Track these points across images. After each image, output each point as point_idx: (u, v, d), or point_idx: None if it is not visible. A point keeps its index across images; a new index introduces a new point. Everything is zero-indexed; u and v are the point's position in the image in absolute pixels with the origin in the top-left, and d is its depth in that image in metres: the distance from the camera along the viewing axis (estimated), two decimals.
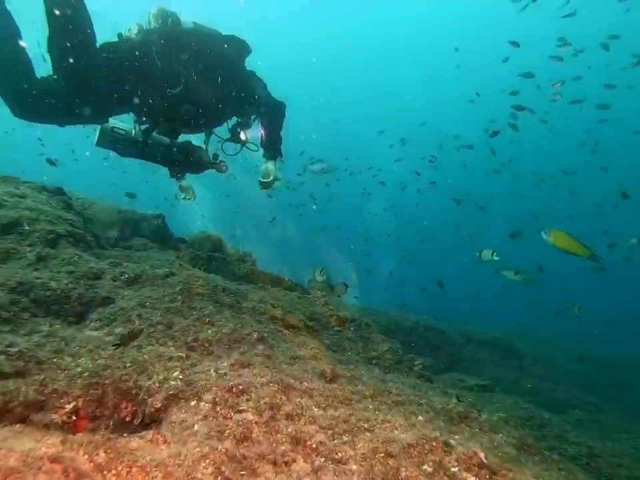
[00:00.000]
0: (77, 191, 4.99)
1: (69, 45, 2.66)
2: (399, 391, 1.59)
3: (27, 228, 2.03)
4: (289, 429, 0.99)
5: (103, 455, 0.84)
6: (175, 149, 3.52)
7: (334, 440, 1.00)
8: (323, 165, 6.98)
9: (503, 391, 5.16)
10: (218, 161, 3.71)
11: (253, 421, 1.00)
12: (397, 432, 1.06)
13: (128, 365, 1.33)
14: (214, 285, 2.24)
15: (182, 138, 3.70)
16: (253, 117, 3.64)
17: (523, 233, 6.16)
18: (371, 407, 1.31)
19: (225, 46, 3.31)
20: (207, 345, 1.62)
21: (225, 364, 1.42)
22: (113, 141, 3.27)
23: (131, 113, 3.32)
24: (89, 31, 2.78)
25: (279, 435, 0.96)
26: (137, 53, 2.94)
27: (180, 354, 1.47)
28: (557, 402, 5.13)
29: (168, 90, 3.07)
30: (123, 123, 3.35)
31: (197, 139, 3.74)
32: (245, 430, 0.96)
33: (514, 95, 9.75)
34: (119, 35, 3.08)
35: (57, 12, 2.57)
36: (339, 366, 1.79)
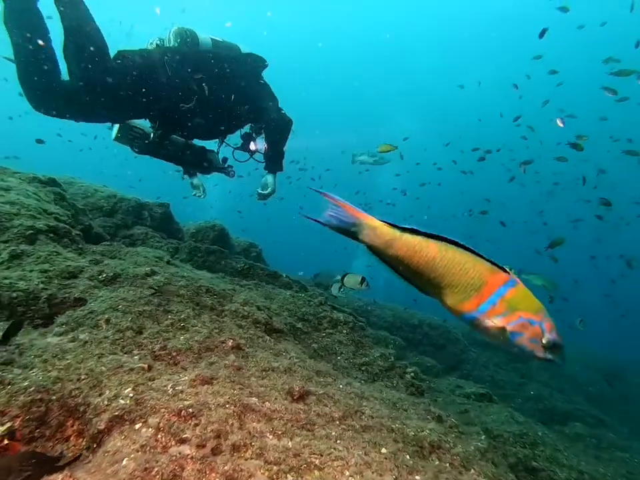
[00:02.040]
0: (83, 179, 5.01)
1: (81, 49, 2.77)
2: (373, 412, 1.50)
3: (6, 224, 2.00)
4: (225, 467, 0.91)
5: None
6: (188, 152, 3.78)
7: None
8: (374, 156, 6.98)
9: (504, 397, 5.04)
10: (227, 167, 4.04)
11: (189, 456, 0.93)
12: (346, 473, 0.97)
13: (83, 377, 1.28)
14: (197, 286, 2.17)
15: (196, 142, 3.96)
16: (261, 130, 3.89)
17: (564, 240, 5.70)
18: (334, 433, 1.23)
19: (240, 63, 3.55)
20: (174, 354, 1.56)
21: (186, 378, 1.35)
22: (130, 139, 3.52)
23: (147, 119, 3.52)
24: (100, 37, 2.88)
25: (212, 475, 0.89)
26: (151, 69, 3.11)
27: (142, 365, 1.40)
28: (559, 412, 4.99)
29: (181, 105, 3.28)
30: (141, 123, 3.57)
31: (210, 144, 4.02)
32: (177, 467, 0.88)
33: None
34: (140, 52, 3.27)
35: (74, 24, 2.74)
36: (315, 379, 1.70)
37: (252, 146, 3.97)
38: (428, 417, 1.78)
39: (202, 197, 4.53)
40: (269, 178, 3.91)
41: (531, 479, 2.54)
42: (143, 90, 3.09)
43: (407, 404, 1.85)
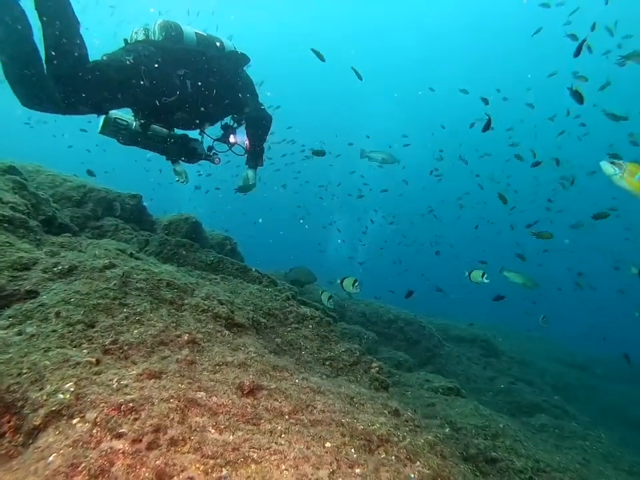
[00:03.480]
0: (53, 168, 4.87)
1: (61, 64, 2.76)
2: (325, 407, 1.51)
3: None
4: (157, 462, 0.90)
5: None
6: (172, 141, 3.83)
7: (209, 474, 0.93)
8: (383, 155, 7.00)
9: (475, 391, 5.16)
10: (212, 154, 4.07)
11: (121, 451, 0.92)
12: (282, 467, 0.98)
13: (24, 371, 1.25)
14: (157, 279, 2.14)
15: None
16: (241, 124, 4.01)
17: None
18: (279, 428, 1.24)
19: (223, 60, 3.63)
20: (126, 347, 1.54)
21: (133, 372, 1.33)
22: (115, 131, 3.57)
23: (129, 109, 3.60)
24: (81, 48, 2.88)
25: (142, 469, 0.88)
26: (134, 67, 3.12)
27: (90, 359, 1.38)
28: (527, 404, 5.15)
29: (164, 98, 3.33)
30: (124, 114, 3.62)
31: (191, 134, 4.04)
32: (106, 462, 0.87)
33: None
34: (125, 41, 3.38)
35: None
36: (271, 373, 1.71)
37: (231, 138, 4.03)
38: (385, 411, 1.81)
39: (185, 182, 4.57)
40: (250, 172, 4.03)
41: (490, 469, 2.63)
42: (120, 93, 3.13)
43: (365, 398, 1.87)
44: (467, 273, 4.13)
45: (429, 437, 1.54)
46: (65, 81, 2.81)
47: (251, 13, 27.66)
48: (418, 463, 1.28)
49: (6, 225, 2.09)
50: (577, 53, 4.66)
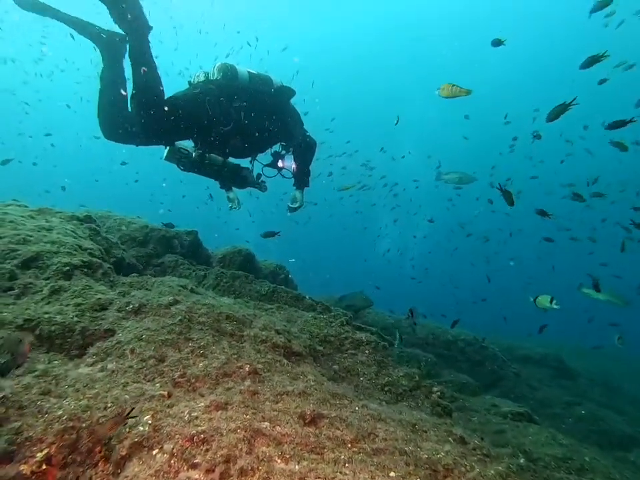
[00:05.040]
0: (120, 212, 5.36)
1: (147, 100, 3.36)
2: (387, 435, 1.50)
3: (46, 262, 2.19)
4: None
5: None
6: (225, 169, 4.31)
7: None
8: (459, 175, 7.00)
9: (551, 417, 4.72)
10: (260, 182, 4.52)
11: None
12: None
13: (109, 405, 1.38)
14: (217, 313, 2.27)
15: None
16: (289, 150, 4.43)
17: None
18: (343, 457, 1.25)
19: (272, 94, 4.06)
20: (193, 380, 1.64)
21: (202, 404, 1.42)
22: (177, 158, 4.08)
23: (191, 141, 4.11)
24: (161, 88, 3.46)
25: None
26: (198, 101, 3.65)
27: (162, 392, 1.49)
28: (619, 435, 4.58)
29: (221, 127, 3.78)
30: (186, 144, 4.14)
31: (244, 162, 4.54)
32: None
33: None
34: (188, 82, 3.96)
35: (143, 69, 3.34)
36: (331, 401, 1.73)
37: (280, 163, 4.43)
38: (449, 438, 1.75)
39: (237, 208, 4.97)
40: (297, 193, 4.40)
41: None
42: (189, 123, 3.64)
43: (428, 425, 1.83)
44: (532, 299, 3.83)
45: (500, 468, 1.47)
46: (146, 113, 3.33)
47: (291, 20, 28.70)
48: None
49: (86, 269, 2.33)
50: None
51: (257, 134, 4.01)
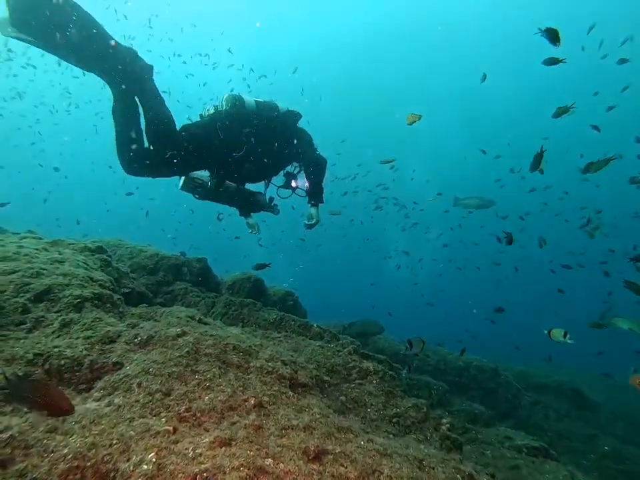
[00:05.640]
0: (132, 240, 5.48)
1: (161, 132, 3.55)
2: (392, 472, 1.48)
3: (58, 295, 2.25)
4: None
5: None
6: (239, 195, 4.51)
7: None
8: (477, 200, 6.91)
9: (570, 452, 4.50)
10: (273, 205, 4.74)
11: None
12: None
13: (114, 442, 1.39)
14: (224, 344, 2.28)
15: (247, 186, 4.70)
16: (300, 170, 4.64)
17: None
18: None
19: (279, 118, 4.27)
20: (198, 414, 1.64)
21: (206, 440, 1.42)
22: (193, 187, 4.28)
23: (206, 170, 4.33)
24: (171, 119, 3.61)
25: None
26: (209, 130, 3.88)
27: (168, 427, 1.50)
28: None
29: (233, 152, 3.99)
30: (201, 174, 4.34)
31: (258, 187, 4.77)
32: None
33: None
34: (200, 116, 4.18)
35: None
36: (336, 435, 1.72)
37: (293, 183, 4.63)
38: (457, 475, 1.72)
39: (257, 233, 5.12)
40: (313, 210, 4.52)
41: None
42: (203, 150, 3.82)
43: (435, 461, 1.80)
44: (545, 332, 3.79)
45: None
46: (162, 145, 3.52)
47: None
48: None
49: (96, 301, 2.38)
50: None
51: (268, 157, 4.21)
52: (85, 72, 3.34)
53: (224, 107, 4.14)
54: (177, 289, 4.79)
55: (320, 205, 4.62)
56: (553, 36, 3.52)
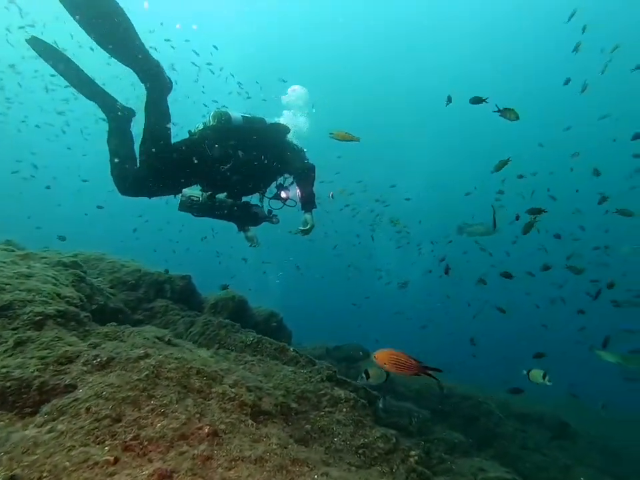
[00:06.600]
0: (115, 254, 5.42)
1: (154, 149, 3.66)
2: None
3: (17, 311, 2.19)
4: None
5: None
6: (236, 208, 4.58)
7: None
8: (483, 227, 6.73)
9: None
10: (271, 215, 4.77)
11: None
12: None
13: (44, 475, 1.32)
14: (187, 367, 2.22)
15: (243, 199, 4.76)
16: (291, 180, 4.74)
17: None
18: None
19: (266, 131, 4.36)
20: (146, 443, 1.58)
21: (145, 473, 1.36)
22: (189, 206, 4.36)
23: (198, 185, 4.42)
24: (169, 137, 3.77)
25: None
26: (198, 145, 3.99)
27: (108, 457, 1.44)
28: None
29: (221, 167, 4.07)
30: (195, 191, 4.42)
31: (253, 200, 4.84)
32: None
33: None
34: (189, 132, 4.23)
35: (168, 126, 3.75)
36: (289, 468, 1.66)
37: (283, 194, 4.71)
38: None
39: (257, 246, 5.20)
40: (307, 216, 4.59)
41: None
42: (193, 165, 3.92)
43: None
44: (525, 372, 3.79)
45: None
46: (153, 160, 3.63)
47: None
48: None
49: (59, 319, 2.32)
50: None
51: (256, 169, 4.29)
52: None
53: (211, 123, 4.23)
54: (158, 306, 4.71)
55: (313, 210, 4.72)
56: (508, 114, 3.81)
